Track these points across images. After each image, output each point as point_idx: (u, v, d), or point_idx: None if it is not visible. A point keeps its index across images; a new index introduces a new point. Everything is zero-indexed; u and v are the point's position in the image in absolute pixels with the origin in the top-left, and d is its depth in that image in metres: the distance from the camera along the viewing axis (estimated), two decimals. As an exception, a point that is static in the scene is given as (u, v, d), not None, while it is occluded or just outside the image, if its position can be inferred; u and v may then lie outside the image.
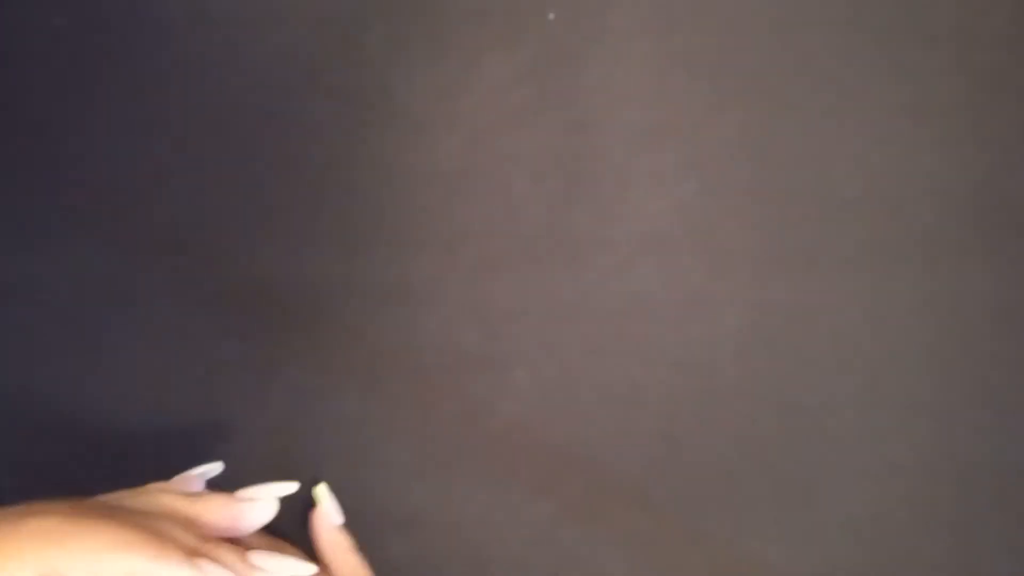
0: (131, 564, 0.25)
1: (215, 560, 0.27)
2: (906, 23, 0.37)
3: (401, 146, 0.37)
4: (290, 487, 0.31)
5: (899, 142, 0.36)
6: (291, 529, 0.33)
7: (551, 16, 0.38)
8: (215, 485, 0.32)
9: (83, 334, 0.36)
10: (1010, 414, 0.34)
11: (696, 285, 0.35)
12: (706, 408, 0.34)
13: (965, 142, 0.36)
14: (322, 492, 0.34)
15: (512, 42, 0.38)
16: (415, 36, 0.38)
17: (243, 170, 0.38)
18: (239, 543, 0.30)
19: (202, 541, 0.28)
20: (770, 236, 0.35)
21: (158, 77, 0.39)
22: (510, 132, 0.37)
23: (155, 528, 0.27)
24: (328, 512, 0.34)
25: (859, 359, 0.34)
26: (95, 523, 0.26)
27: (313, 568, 0.29)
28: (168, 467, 0.34)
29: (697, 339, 0.34)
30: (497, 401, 0.35)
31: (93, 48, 0.39)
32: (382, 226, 0.37)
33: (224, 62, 0.39)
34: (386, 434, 0.35)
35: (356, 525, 0.33)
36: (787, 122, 0.36)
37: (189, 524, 0.28)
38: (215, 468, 0.32)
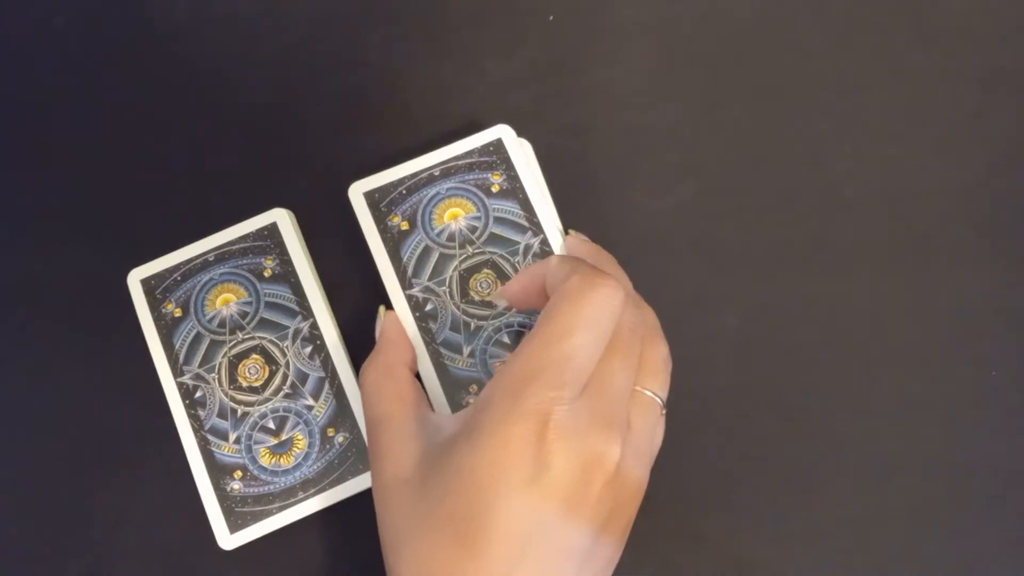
0: None
1: None
2: (906, 23, 0.37)
3: (402, 147, 0.37)
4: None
5: (898, 142, 0.36)
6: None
7: (551, 17, 0.38)
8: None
9: (84, 335, 0.36)
10: (1010, 414, 0.34)
11: (696, 285, 0.35)
12: (706, 407, 0.34)
13: (964, 142, 0.36)
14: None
15: (512, 43, 0.38)
16: (416, 37, 0.38)
17: (244, 170, 0.38)
18: None
19: None
20: (769, 236, 0.35)
21: (158, 77, 0.39)
22: (510, 132, 0.37)
23: None
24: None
25: (858, 359, 0.34)
26: None
27: None
28: (172, 462, 0.34)
29: (696, 338, 0.35)
30: (497, 401, 0.35)
31: (93, 48, 0.39)
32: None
33: (225, 62, 0.39)
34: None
35: (357, 523, 0.33)
36: (786, 122, 0.36)
37: None
38: None
